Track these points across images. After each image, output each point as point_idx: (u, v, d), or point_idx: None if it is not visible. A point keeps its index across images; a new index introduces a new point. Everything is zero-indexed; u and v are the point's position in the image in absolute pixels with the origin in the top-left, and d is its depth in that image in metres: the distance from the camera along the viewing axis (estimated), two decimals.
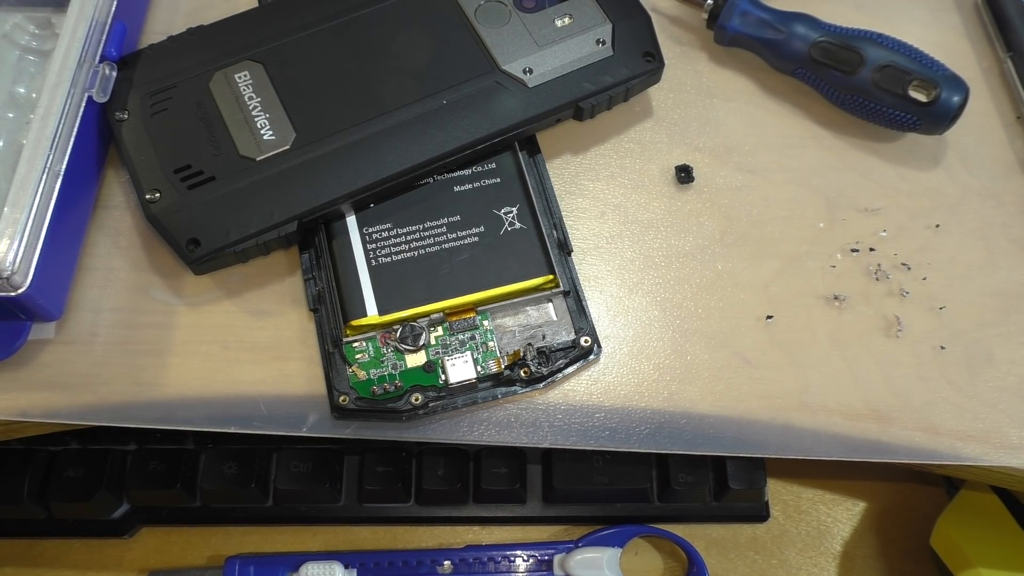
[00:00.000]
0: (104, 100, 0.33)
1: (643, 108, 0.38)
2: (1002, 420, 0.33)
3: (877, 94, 0.36)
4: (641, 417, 0.33)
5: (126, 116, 0.34)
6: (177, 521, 0.40)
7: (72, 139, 0.31)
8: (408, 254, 0.33)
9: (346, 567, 0.38)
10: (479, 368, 0.32)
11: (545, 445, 0.32)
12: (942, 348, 0.34)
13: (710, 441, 0.33)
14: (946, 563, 0.39)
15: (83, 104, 0.32)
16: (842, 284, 0.35)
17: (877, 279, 0.35)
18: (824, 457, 0.33)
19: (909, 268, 0.36)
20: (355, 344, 0.32)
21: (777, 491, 0.43)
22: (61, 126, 0.31)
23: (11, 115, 0.34)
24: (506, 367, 0.32)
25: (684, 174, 0.37)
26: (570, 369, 0.32)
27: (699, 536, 0.41)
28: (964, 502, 0.40)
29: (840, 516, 0.43)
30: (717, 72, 0.39)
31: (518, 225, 0.34)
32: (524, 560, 0.39)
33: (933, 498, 0.43)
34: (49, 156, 0.30)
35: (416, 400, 0.31)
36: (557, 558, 0.39)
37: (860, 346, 0.34)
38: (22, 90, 0.35)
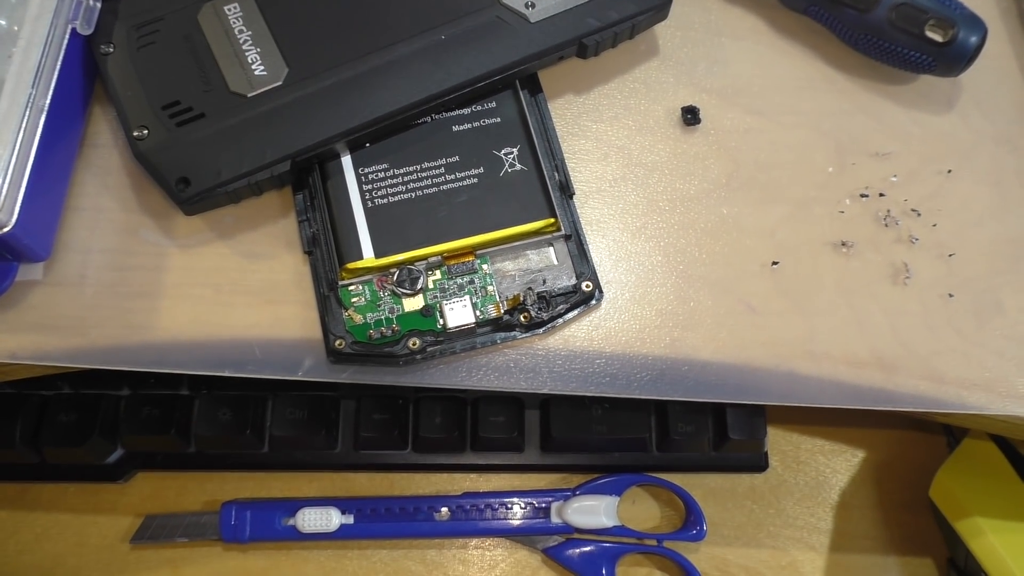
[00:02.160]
0: (88, 32, 0.32)
1: (649, 46, 0.37)
2: (1009, 369, 0.33)
3: (892, 33, 0.34)
4: (642, 364, 0.32)
5: (111, 50, 0.32)
6: (172, 467, 0.40)
7: (56, 73, 0.30)
8: (405, 195, 0.32)
9: (343, 512, 0.38)
10: (478, 313, 0.31)
11: (545, 391, 0.32)
12: (950, 296, 0.34)
13: (712, 388, 0.32)
14: (944, 514, 0.39)
15: (67, 36, 0.31)
16: (850, 230, 0.34)
17: (886, 225, 0.35)
18: (828, 405, 0.32)
19: (919, 214, 0.35)
20: (351, 287, 0.32)
21: (776, 441, 0.43)
22: (44, 59, 0.30)
23: None
24: (505, 312, 0.31)
25: (690, 116, 0.36)
26: (571, 314, 0.32)
27: (697, 485, 0.41)
28: (964, 454, 0.40)
29: (839, 467, 0.43)
30: (726, 10, 0.38)
31: (519, 167, 0.33)
32: (521, 507, 0.39)
33: (932, 450, 0.43)
34: (32, 91, 0.29)
35: (414, 345, 0.31)
36: (555, 506, 0.39)
37: (867, 294, 0.34)
38: (3, 22, 0.33)
